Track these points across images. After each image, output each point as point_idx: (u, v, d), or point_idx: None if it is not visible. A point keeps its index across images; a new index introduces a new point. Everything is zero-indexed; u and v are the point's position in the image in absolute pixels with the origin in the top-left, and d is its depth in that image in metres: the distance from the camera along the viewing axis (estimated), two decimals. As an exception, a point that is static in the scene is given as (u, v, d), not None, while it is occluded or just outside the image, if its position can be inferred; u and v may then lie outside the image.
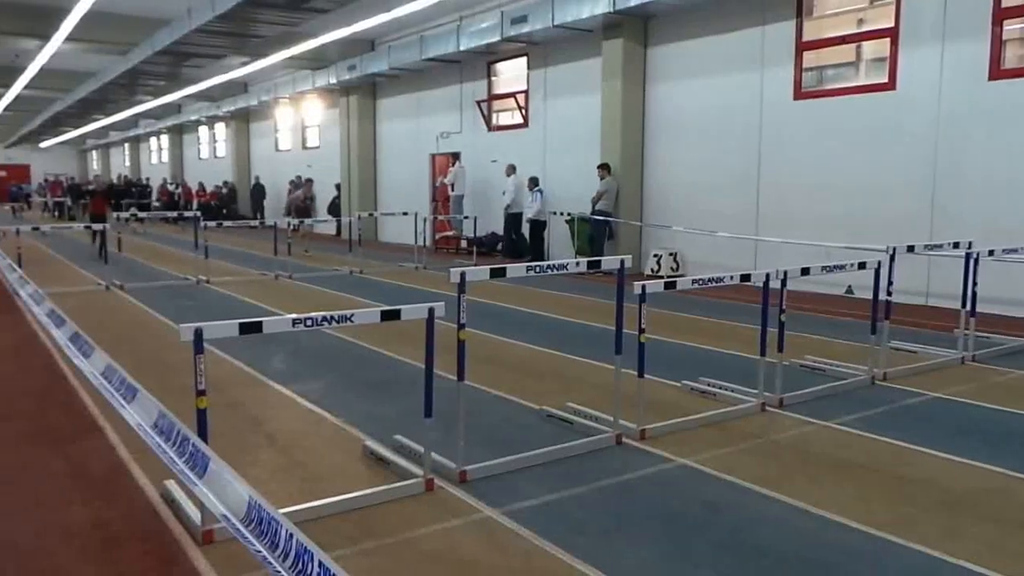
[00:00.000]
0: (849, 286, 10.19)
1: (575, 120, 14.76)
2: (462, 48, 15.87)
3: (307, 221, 18.22)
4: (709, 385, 5.77)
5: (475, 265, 9.32)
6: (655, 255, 12.90)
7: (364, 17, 15.77)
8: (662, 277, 10.90)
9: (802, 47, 11.23)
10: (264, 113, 27.70)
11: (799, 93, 11.30)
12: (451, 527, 3.54)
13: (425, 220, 16.53)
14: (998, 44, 9.22)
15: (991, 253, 7.09)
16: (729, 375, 5.95)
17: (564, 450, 4.46)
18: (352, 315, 3.69)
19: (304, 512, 3.58)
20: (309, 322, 3.50)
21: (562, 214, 14.51)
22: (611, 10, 12.46)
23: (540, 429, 4.92)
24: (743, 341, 7.10)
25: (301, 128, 25.92)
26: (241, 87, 27.05)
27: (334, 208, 22.16)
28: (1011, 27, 9.35)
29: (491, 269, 4.35)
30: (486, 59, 16.92)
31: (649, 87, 13.51)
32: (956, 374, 6.47)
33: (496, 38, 14.89)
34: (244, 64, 20.91)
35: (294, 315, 3.49)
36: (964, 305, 6.91)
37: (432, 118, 18.89)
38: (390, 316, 3.80)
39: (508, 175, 15.71)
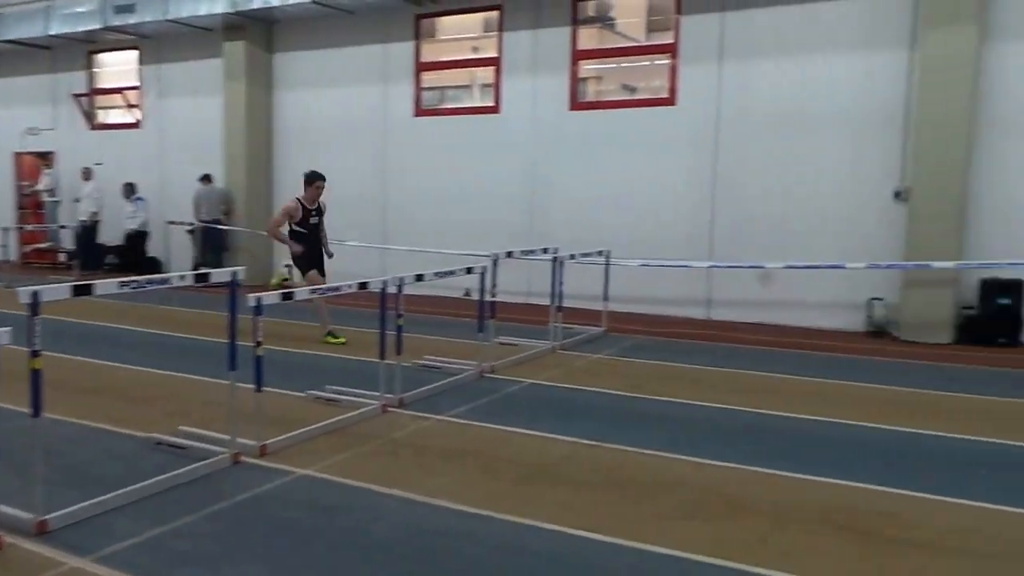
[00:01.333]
0: (467, 289, 11.05)
1: (196, 123, 13.81)
2: (53, 32, 13.90)
3: None
4: (334, 392, 5.84)
5: (76, 281, 8.16)
6: (286, 265, 12.60)
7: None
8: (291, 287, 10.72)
9: (420, 68, 11.95)
10: None
11: (419, 110, 12.01)
12: (24, 587, 3.07)
13: (8, 230, 14.10)
14: (575, 80, 10.86)
15: (572, 257, 8.37)
16: (354, 380, 6.08)
17: (174, 479, 4.14)
18: None
19: None
20: None
21: (182, 224, 13.48)
22: (231, 11, 11.96)
23: (147, 459, 4.50)
24: (367, 346, 7.29)
25: None
26: None
27: None
28: (588, 67, 11.08)
29: (74, 286, 3.87)
30: (86, 48, 15.01)
31: (276, 93, 13.23)
32: (548, 361, 7.48)
33: (97, 26, 13.35)
34: None
35: None
36: (553, 302, 8.02)
37: (16, 111, 16.13)
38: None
39: (85, 179, 14.12)
